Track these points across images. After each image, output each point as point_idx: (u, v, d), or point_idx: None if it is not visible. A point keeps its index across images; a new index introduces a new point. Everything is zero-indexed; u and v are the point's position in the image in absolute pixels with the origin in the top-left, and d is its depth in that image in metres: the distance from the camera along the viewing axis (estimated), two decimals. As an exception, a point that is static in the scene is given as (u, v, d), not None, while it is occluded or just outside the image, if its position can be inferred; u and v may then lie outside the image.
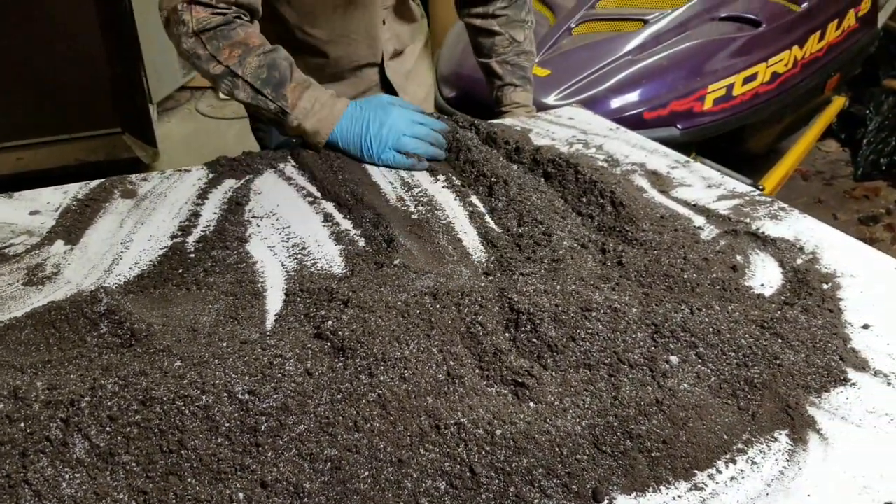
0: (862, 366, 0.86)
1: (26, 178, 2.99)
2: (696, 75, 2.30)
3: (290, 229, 1.18)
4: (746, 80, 2.36)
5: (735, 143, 2.54)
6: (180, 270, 1.05)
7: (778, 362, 0.83)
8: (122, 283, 1.02)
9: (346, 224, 1.19)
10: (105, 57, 2.96)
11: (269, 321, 0.94)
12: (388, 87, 1.68)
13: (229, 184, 1.32)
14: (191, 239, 1.14)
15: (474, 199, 1.27)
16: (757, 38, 2.39)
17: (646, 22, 2.36)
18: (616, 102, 2.24)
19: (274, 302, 0.98)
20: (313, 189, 1.31)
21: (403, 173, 1.37)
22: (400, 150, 1.35)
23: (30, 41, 2.88)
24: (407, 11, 1.62)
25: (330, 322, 0.84)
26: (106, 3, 2.91)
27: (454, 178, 1.35)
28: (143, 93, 3.13)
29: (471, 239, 1.15)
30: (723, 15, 2.40)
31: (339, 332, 0.81)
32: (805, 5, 2.55)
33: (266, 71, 1.32)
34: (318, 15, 1.50)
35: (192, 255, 1.09)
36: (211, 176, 1.35)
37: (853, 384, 0.84)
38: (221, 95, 4.07)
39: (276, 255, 1.11)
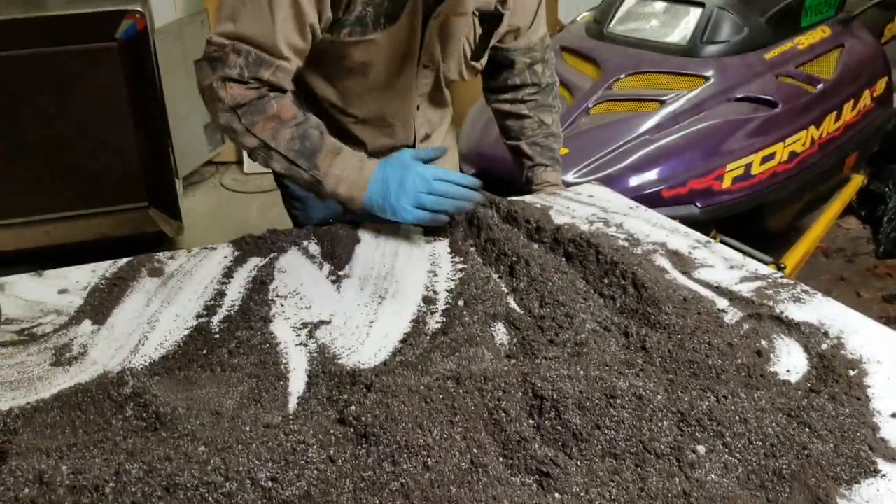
0: (892, 456, 0.85)
1: (53, 252, 3.04)
2: (713, 154, 2.32)
3: (314, 309, 1.19)
4: (764, 160, 2.38)
5: (755, 221, 2.54)
6: (205, 351, 1.06)
7: (806, 452, 0.82)
8: (147, 364, 1.03)
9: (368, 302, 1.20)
10: (134, 135, 3.03)
11: (292, 404, 0.94)
12: None
13: (254, 262, 1.34)
14: (216, 319, 1.15)
15: (496, 279, 1.28)
16: (773, 119, 2.42)
17: (662, 103, 2.40)
18: (635, 180, 2.27)
19: (297, 384, 0.99)
20: (336, 268, 1.33)
21: (428, 251, 1.38)
22: (421, 208, 1.35)
23: (62, 119, 2.96)
24: (441, 98, 1.66)
25: (353, 407, 0.84)
26: (136, 82, 2.99)
27: (476, 256, 1.36)
28: (171, 168, 3.19)
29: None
30: (738, 96, 2.43)
31: (362, 418, 0.82)
32: (820, 87, 2.59)
33: (299, 142, 1.34)
34: (355, 96, 1.54)
35: (217, 336, 1.10)
36: (236, 254, 1.37)
37: (884, 476, 0.82)
38: (246, 170, 4.16)
39: (298, 335, 1.11)
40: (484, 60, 1.63)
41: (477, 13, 1.51)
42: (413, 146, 1.67)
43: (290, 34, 1.32)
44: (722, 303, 1.17)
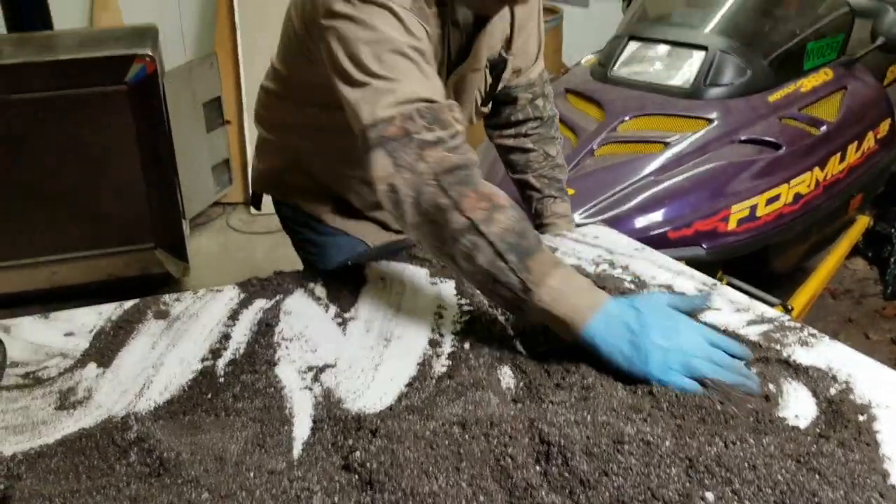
0: (904, 504, 0.84)
1: (59, 293, 3.05)
2: (718, 196, 2.33)
3: (319, 352, 1.19)
4: (769, 201, 2.38)
5: (761, 262, 2.54)
6: (209, 395, 1.05)
7: (816, 500, 0.81)
8: (152, 408, 1.03)
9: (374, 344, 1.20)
10: (142, 176, 3.06)
11: (297, 449, 0.93)
12: None
13: (260, 304, 1.34)
14: (221, 362, 1.15)
15: (502, 321, 1.27)
16: (777, 161, 2.43)
17: (666, 144, 2.41)
18: (640, 222, 2.27)
19: (301, 428, 0.98)
20: (342, 310, 1.32)
21: (434, 292, 1.38)
22: (691, 375, 1.03)
23: (70, 160, 2.99)
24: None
25: (358, 453, 0.83)
26: (145, 124, 3.03)
27: (483, 298, 1.36)
28: (178, 209, 3.22)
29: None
30: (742, 138, 2.45)
31: (367, 465, 0.81)
32: (824, 129, 2.60)
33: (514, 236, 1.10)
34: None
35: (222, 380, 1.10)
36: (242, 296, 1.37)
37: (897, 524, 0.81)
38: (253, 211, 4.18)
39: (304, 378, 1.11)
40: (490, 104, 1.65)
41: (487, 64, 1.54)
42: None
43: (437, 78, 1.26)
44: (729, 346, 1.17)
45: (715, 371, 1.03)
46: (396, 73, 1.19)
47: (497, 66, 1.56)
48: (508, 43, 1.56)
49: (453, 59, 1.46)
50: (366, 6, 1.21)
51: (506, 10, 1.48)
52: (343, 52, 1.22)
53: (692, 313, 1.16)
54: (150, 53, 2.97)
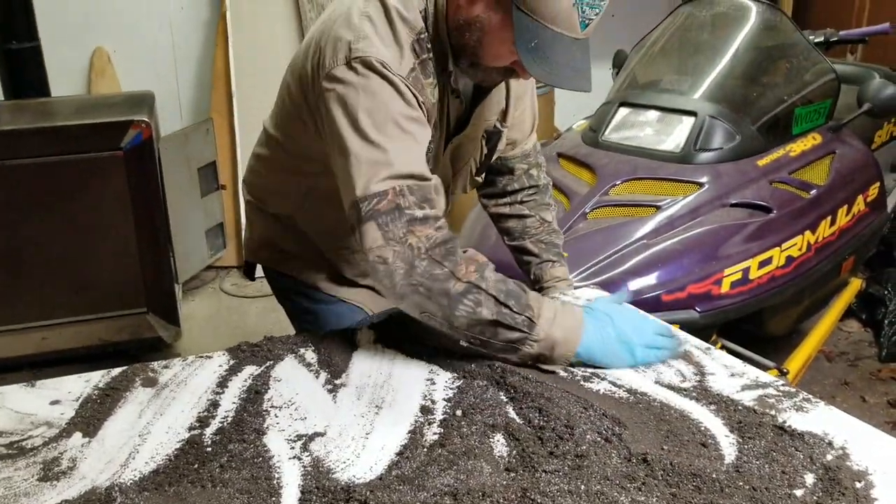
0: (907, 576, 0.82)
1: (49, 359, 3.02)
2: (711, 259, 2.33)
3: (309, 420, 1.17)
4: (762, 264, 2.38)
5: (756, 325, 2.53)
6: (196, 466, 1.03)
7: (817, 573, 0.79)
8: (137, 478, 1.00)
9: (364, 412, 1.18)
10: (136, 241, 3.06)
11: (284, 522, 0.91)
12: None
13: (249, 371, 1.33)
14: (208, 431, 1.13)
15: (494, 388, 1.26)
16: (769, 224, 2.44)
17: (658, 208, 2.42)
18: (634, 285, 2.27)
19: (290, 500, 0.96)
20: (333, 376, 1.31)
21: (425, 358, 1.36)
22: (650, 346, 1.32)
23: (65, 226, 2.99)
24: (451, 211, 1.72)
25: (347, 526, 0.81)
26: (140, 189, 3.03)
27: (475, 366, 1.35)
28: (171, 274, 3.20)
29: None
30: (733, 202, 2.46)
31: (356, 537, 0.79)
32: (814, 192, 2.62)
33: (504, 285, 1.26)
34: None
35: (209, 449, 1.08)
36: (232, 362, 1.35)
37: None
38: (250, 279, 4.17)
39: (293, 447, 1.09)
40: (483, 174, 1.68)
41: (484, 135, 1.58)
42: None
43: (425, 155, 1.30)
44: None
45: (662, 340, 1.34)
46: (392, 145, 1.24)
47: (493, 137, 1.60)
48: (504, 115, 1.60)
49: (452, 128, 1.50)
50: (368, 73, 1.26)
51: (502, 83, 1.53)
52: (343, 116, 1.27)
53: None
54: (146, 119, 3.00)
